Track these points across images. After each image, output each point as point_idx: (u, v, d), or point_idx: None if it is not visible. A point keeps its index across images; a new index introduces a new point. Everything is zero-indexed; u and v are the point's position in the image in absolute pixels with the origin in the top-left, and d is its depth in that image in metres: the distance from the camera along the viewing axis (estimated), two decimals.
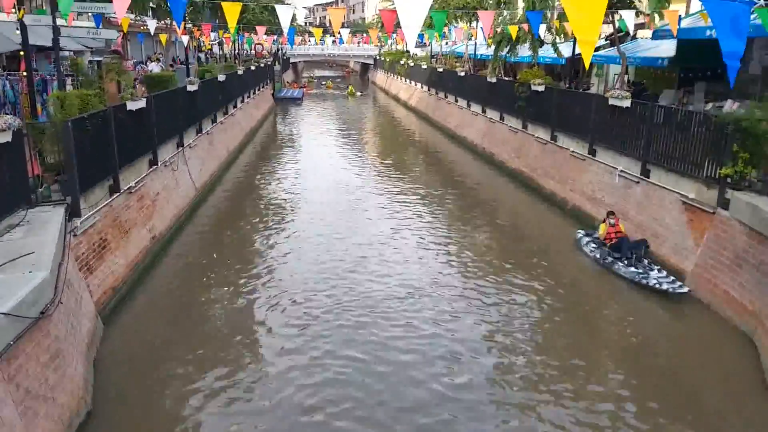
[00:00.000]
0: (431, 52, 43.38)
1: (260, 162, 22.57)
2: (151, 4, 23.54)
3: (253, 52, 49.01)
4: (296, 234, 13.64)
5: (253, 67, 34.49)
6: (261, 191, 17.93)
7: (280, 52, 58.61)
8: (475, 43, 32.51)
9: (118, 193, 11.37)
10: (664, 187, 12.05)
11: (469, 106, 27.53)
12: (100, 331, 9.04)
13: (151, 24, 21.56)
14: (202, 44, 39.56)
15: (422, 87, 39.29)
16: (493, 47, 25.05)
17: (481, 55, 32.67)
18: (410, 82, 43.87)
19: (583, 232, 13.49)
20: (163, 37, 26.21)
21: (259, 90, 36.73)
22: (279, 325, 9.40)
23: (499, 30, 24.02)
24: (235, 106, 26.77)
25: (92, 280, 9.50)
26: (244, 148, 24.98)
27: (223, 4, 9.37)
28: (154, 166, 13.80)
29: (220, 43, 40.20)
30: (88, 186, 10.11)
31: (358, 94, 51.89)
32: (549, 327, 9.66)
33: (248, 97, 31.81)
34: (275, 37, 43.10)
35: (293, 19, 17.17)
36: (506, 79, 24.59)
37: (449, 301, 10.32)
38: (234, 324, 9.46)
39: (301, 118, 35.84)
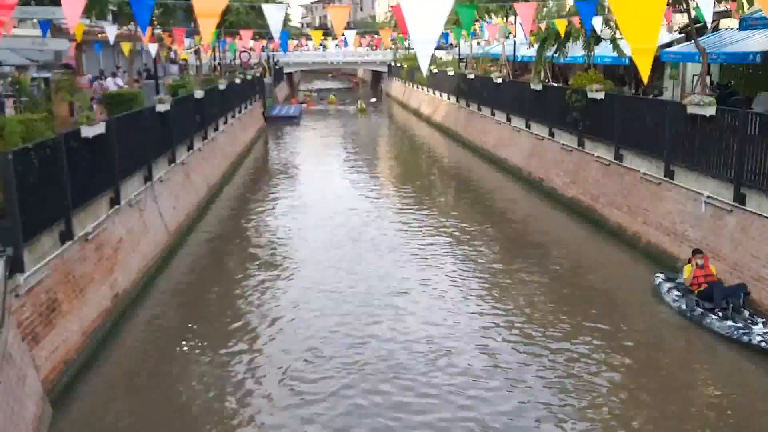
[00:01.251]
0: (459, 54, 44.00)
1: (249, 198, 22.84)
2: (110, 7, 23.78)
3: (238, 61, 50.14)
4: (294, 291, 13.68)
5: (238, 80, 35.26)
6: (250, 235, 18.10)
7: (271, 60, 60.47)
8: (514, 42, 32.90)
9: (71, 241, 11.45)
10: (766, 217, 12.02)
11: (509, 120, 27.72)
12: (49, 416, 8.92)
13: (111, 30, 21.19)
14: (174, 54, 40.48)
15: (449, 98, 39.81)
16: (536, 47, 25.31)
17: (522, 56, 33.05)
18: (434, 93, 44.52)
19: (662, 275, 13.29)
20: (126, 46, 26.07)
21: (246, 108, 37.46)
22: (271, 414, 9.09)
23: (543, 25, 24.31)
24: (216, 129, 27.26)
25: (39, 351, 9.43)
26: (228, 181, 25.34)
27: (196, 4, 9.37)
28: (116, 206, 14.00)
29: (197, 52, 41.14)
30: (34, 233, 10.05)
31: (370, 109, 53.03)
32: (625, 399, 9.40)
33: (233, 116, 32.42)
34: (265, 42, 43.90)
35: (286, 19, 17.48)
36: (555, 85, 24.77)
37: (489, 371, 10.13)
38: (218, 411, 9.23)
39: (299, 142, 36.49)
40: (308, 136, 38.75)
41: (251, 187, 24.94)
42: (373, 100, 58.68)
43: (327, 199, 21.76)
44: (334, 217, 19.34)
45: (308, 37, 68.48)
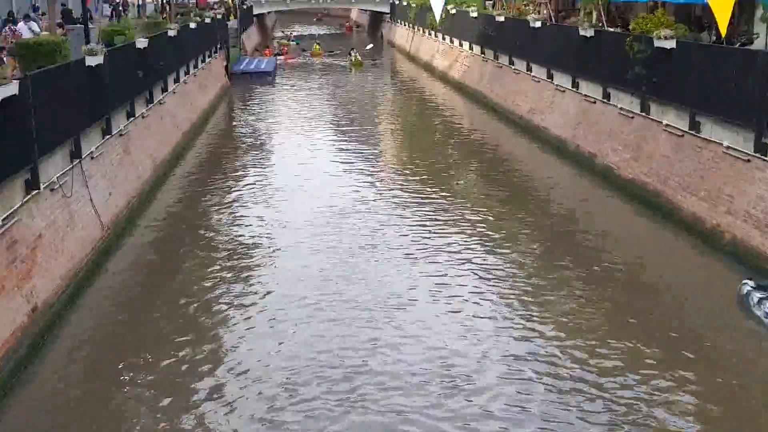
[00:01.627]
0: None
1: (207, 182, 22.81)
2: None
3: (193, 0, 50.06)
4: (265, 305, 13.68)
5: (193, 25, 35.08)
6: (209, 231, 18.05)
7: None
8: None
9: None
10: None
11: (550, 76, 27.65)
12: None
13: None
14: None
15: (471, 48, 39.74)
16: None
17: None
18: (451, 41, 44.44)
19: (751, 282, 13.26)
20: None
21: (204, 61, 37.40)
22: None
23: None
24: (165, 90, 27.17)
25: None
26: (181, 158, 25.36)
27: None
28: (34, 192, 13.92)
29: None
30: None
31: (368, 63, 52.96)
32: None
33: (187, 73, 32.38)
34: None
35: None
36: (611, 30, 24.58)
37: (527, 418, 10.07)
38: None
39: (274, 107, 36.55)
40: (286, 100, 38.71)
41: (211, 167, 24.89)
42: (370, 47, 58.57)
43: (310, 185, 21.63)
44: (319, 208, 19.21)
45: None
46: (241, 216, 19.03)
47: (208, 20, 39.70)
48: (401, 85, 44.15)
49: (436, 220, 18.22)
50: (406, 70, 50.69)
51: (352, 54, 51.99)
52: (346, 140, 28.43)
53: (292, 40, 66.93)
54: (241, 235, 17.48)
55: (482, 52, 37.27)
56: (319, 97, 39.34)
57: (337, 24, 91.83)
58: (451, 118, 32.96)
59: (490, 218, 18.32)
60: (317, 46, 58.61)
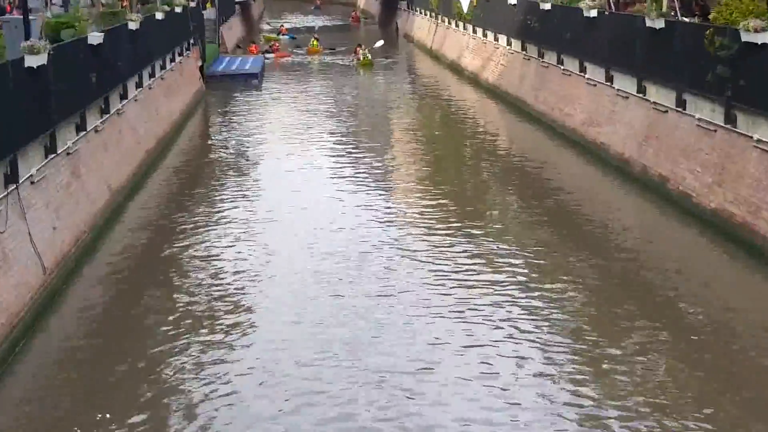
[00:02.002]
0: None
1: (177, 210, 22.86)
2: None
3: None
4: (249, 371, 13.67)
5: (160, 15, 35.34)
6: (177, 275, 18.00)
7: None
8: None
9: None
10: None
11: (609, 79, 27.68)
12: None
13: None
14: None
15: (509, 43, 39.93)
16: None
17: None
18: (484, 35, 44.67)
19: None
20: None
21: (173, 61, 37.66)
22: None
23: None
24: (125, 97, 27.32)
25: None
26: (144, 181, 25.44)
27: None
28: None
29: None
30: None
31: (379, 61, 53.12)
32: None
33: (152, 76, 32.61)
34: None
35: None
36: (686, 21, 24.61)
37: None
38: None
39: (260, 118, 36.71)
40: (275, 109, 38.89)
41: (181, 193, 24.92)
42: (380, 44, 58.34)
43: (305, 218, 21.58)
44: (316, 248, 19.15)
45: None
46: (219, 259, 18.96)
47: (178, 9, 39.91)
48: (421, 90, 44.33)
49: (465, 262, 18.16)
50: (427, 70, 50.83)
51: (360, 51, 52.27)
52: (351, 161, 28.32)
53: (284, 35, 67.31)
54: (217, 285, 17.41)
55: (523, 49, 37.38)
56: (318, 105, 39.44)
57: (340, 13, 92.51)
58: (484, 131, 32.98)
59: (534, 261, 18.25)
60: (315, 42, 58.88)
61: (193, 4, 44.54)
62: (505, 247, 19.17)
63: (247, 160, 29.04)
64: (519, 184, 25.34)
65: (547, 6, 34.22)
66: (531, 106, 34.12)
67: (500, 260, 18.24)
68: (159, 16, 35.03)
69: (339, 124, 35.27)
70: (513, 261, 18.19)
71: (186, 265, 18.57)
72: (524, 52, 37.17)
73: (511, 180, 25.79)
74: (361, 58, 51.45)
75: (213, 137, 33.74)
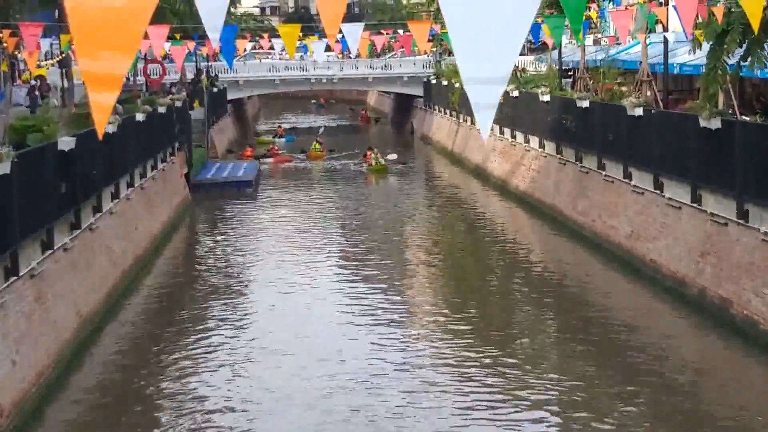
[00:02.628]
0: (560, 63, 44.52)
1: (155, 343, 22.78)
2: None
3: (140, 79, 50.99)
4: None
5: (141, 116, 35.65)
6: (157, 419, 17.87)
7: (206, 75, 61.12)
8: (665, 41, 33.19)
9: None
10: None
11: (659, 187, 27.63)
12: None
13: None
14: (21, 66, 40.98)
15: (542, 145, 40.18)
16: (705, 49, 25.35)
17: (681, 66, 33.53)
18: (513, 136, 45.09)
19: None
20: None
21: (155, 168, 37.89)
22: None
23: (718, 11, 24.42)
24: (98, 209, 27.40)
25: None
26: (118, 308, 25.46)
27: None
28: None
29: (64, 63, 41.72)
30: None
31: (393, 167, 53.74)
32: None
33: (130, 186, 32.78)
34: (193, 44, 44.34)
35: (233, 3, 17.72)
36: (747, 119, 24.62)
37: None
38: None
39: (254, 234, 36.96)
40: (272, 223, 39.17)
41: (161, 322, 24.89)
42: (393, 157, 57.18)
43: (306, 362, 21.09)
44: (318, 403, 18.59)
45: (272, 35, 70.02)
46: (204, 399, 18.82)
47: (162, 109, 40.35)
48: (441, 199, 44.56)
49: (495, 399, 17.99)
50: (448, 176, 51.11)
51: (371, 155, 52.60)
52: (359, 288, 28.03)
53: (281, 137, 67.99)
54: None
55: (558, 152, 37.61)
56: (321, 219, 39.82)
57: (347, 112, 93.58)
58: (515, 246, 33.07)
59: (575, 399, 18.05)
60: (317, 145, 59.38)
61: (178, 104, 45.01)
62: (540, 381, 19.01)
63: (238, 284, 28.91)
64: (556, 307, 25.27)
65: (585, 104, 34.51)
66: (568, 216, 34.18)
67: (535, 396, 18.07)
68: (139, 117, 35.40)
69: (346, 243, 35.37)
70: (549, 397, 18.02)
71: (166, 407, 18.42)
72: (559, 156, 37.40)
73: (547, 303, 25.72)
74: (373, 164, 51.95)
75: (199, 256, 33.82)
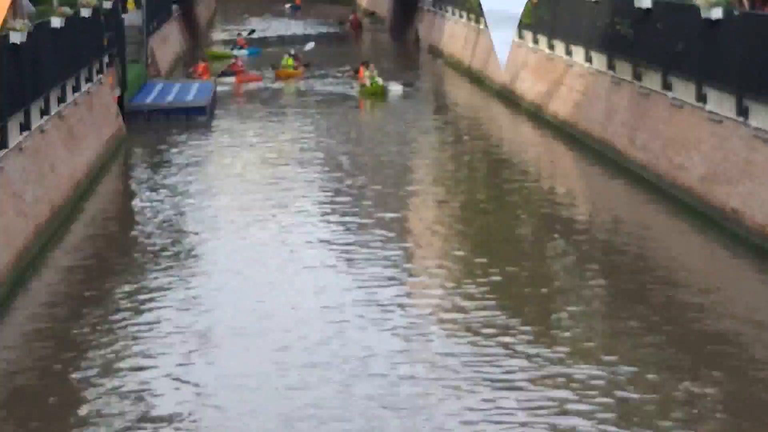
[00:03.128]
0: None
1: (80, 314, 22.75)
2: None
3: None
4: None
5: (57, 22, 35.44)
6: (82, 418, 17.93)
7: None
8: None
9: None
10: None
11: (743, 112, 27.52)
12: None
13: None
14: None
15: (587, 58, 40.41)
16: None
17: None
18: (551, 46, 45.30)
19: None
20: None
21: (78, 90, 37.72)
22: None
23: None
24: (3, 145, 27.25)
25: None
26: (31, 271, 25.46)
27: None
28: None
29: None
30: None
31: (394, 87, 53.36)
32: None
33: (45, 113, 32.40)
34: None
35: None
36: None
37: None
38: None
39: (208, 176, 37.13)
40: (231, 163, 39.03)
41: (86, 291, 24.82)
42: (396, 86, 57.09)
43: (276, 333, 21.48)
44: (295, 373, 19.20)
45: None
46: (137, 397, 18.77)
47: (86, 13, 40.09)
48: (456, 132, 44.60)
49: (532, 400, 18.02)
50: (465, 101, 51.09)
51: (365, 73, 52.18)
52: (348, 256, 27.45)
53: (243, 49, 67.70)
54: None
55: (610, 67, 37.68)
56: (296, 161, 39.23)
57: (331, 15, 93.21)
58: (552, 194, 33.19)
59: (623, 392, 18.09)
60: (289, 59, 58.87)
61: (107, 5, 44.76)
62: (583, 369, 19.04)
63: (187, 242, 28.78)
64: (607, 271, 25.32)
65: (646, 2, 34.35)
66: (623, 153, 34.30)
67: (577, 389, 18.12)
68: (56, 23, 35.15)
69: (329, 193, 34.55)
70: (593, 388, 18.13)
71: (93, 404, 18.45)
72: (612, 73, 37.48)
73: (595, 266, 25.73)
74: (368, 84, 51.82)
75: (136, 208, 33.71)
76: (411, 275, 25.88)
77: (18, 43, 29.29)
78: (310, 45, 66.41)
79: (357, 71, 53.53)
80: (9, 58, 28.61)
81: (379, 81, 51.82)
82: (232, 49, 68.25)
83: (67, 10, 36.92)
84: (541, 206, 31.88)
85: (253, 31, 78.94)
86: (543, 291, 24.16)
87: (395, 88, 53.11)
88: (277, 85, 56.89)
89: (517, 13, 5.75)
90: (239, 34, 74.65)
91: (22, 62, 29.85)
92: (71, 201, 31.53)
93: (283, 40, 73.16)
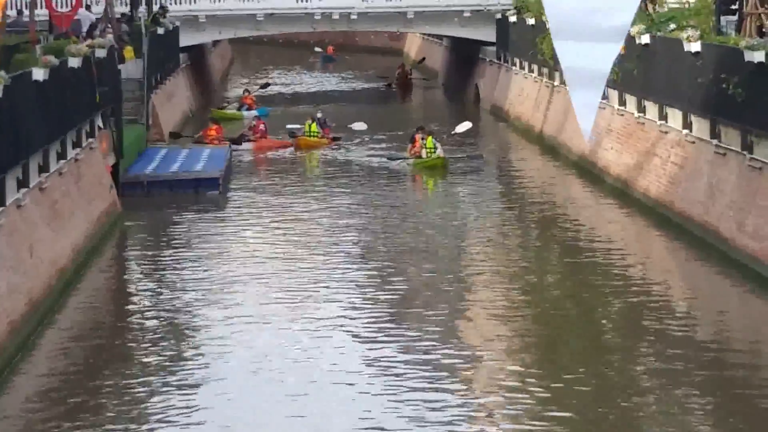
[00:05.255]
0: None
1: None
2: None
3: (42, 11, 50.90)
4: None
5: (40, 74, 35.50)
6: None
7: (147, 6, 62.08)
8: None
9: None
10: None
11: None
12: None
13: None
14: None
15: (685, 124, 40.16)
16: None
17: None
18: (640, 109, 45.23)
19: None
20: None
21: (64, 158, 37.72)
22: None
23: None
24: None
25: None
26: (2, 378, 25.37)
27: None
28: None
29: None
30: None
31: (454, 160, 53.36)
32: None
33: (23, 185, 32.35)
34: None
35: None
36: None
37: None
38: None
39: (220, 265, 36.82)
40: (247, 254, 38.58)
41: (68, 408, 24.71)
42: (465, 127, 57.10)
43: None
44: None
45: None
46: None
47: (75, 62, 40.23)
48: (527, 213, 44.62)
49: None
50: (536, 172, 51.14)
51: (420, 141, 51.79)
52: (388, 368, 27.31)
53: (253, 110, 67.89)
54: None
55: (714, 135, 37.53)
56: (331, 250, 38.77)
57: (372, 67, 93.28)
58: (646, 296, 32.63)
59: None
60: (313, 125, 58.26)
61: (101, 54, 44.89)
62: None
63: (190, 360, 28.60)
64: (729, 401, 25.01)
65: (760, 56, 34.26)
66: (729, 240, 34.09)
67: None
68: (39, 75, 35.16)
69: (368, 293, 33.90)
70: None
71: None
72: (716, 141, 37.29)
73: (712, 390, 25.49)
74: (425, 156, 51.74)
75: (131, 301, 33.84)
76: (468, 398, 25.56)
77: None
78: (360, 126, 63.71)
79: (412, 140, 53.18)
80: None
81: (439, 151, 51.57)
82: (238, 108, 68.56)
83: (53, 59, 36.74)
84: (631, 308, 31.58)
85: (267, 85, 79.36)
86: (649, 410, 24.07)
87: (464, 127, 54.30)
88: (295, 153, 57.34)
89: (605, 70, 5.61)
90: (246, 91, 75.10)
91: None
92: (53, 292, 31.46)
93: (311, 96, 73.06)
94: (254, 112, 67.21)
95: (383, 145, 56.49)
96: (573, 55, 6.29)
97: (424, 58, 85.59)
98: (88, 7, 58.12)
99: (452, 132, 53.46)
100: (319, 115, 60.67)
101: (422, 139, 52.38)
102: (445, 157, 51.60)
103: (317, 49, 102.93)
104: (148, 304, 32.86)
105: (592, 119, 6.23)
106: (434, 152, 51.34)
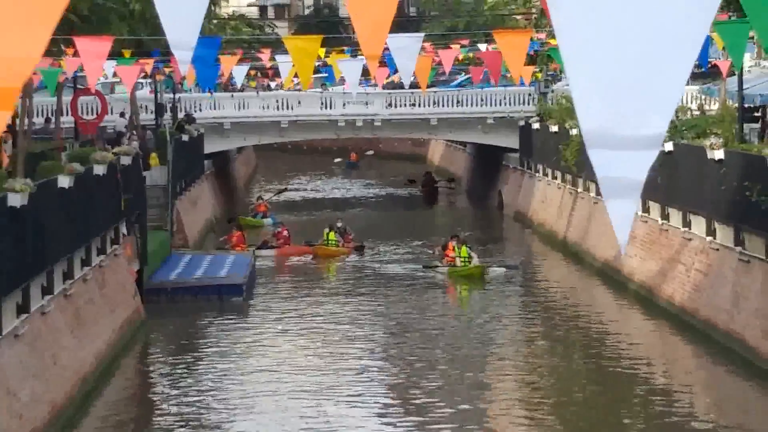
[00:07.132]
0: (740, 98, 44.17)
1: None
2: None
3: (68, 119, 51.01)
4: None
5: (66, 181, 35.47)
6: None
7: (172, 114, 62.09)
8: None
9: None
10: None
11: None
12: None
13: None
14: None
15: (709, 231, 39.69)
16: None
17: None
18: (665, 216, 45.06)
19: None
20: None
21: (88, 264, 37.62)
22: None
23: None
24: None
25: None
26: None
27: None
28: None
29: None
30: None
31: (498, 271, 52.93)
32: None
33: (47, 293, 32.29)
34: (150, 64, 44.26)
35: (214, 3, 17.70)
36: None
37: None
38: None
39: (244, 374, 36.62)
40: (273, 358, 38.57)
41: None
42: (502, 263, 56.32)
43: None
44: None
45: (277, 50, 70.01)
46: None
47: (100, 169, 40.20)
48: (549, 325, 44.22)
49: None
50: (558, 279, 50.92)
51: (455, 249, 51.50)
52: None
53: (268, 217, 68.71)
54: None
55: (738, 242, 37.44)
56: (356, 362, 38.41)
57: (395, 173, 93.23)
58: (673, 401, 32.53)
59: None
60: (331, 233, 58.29)
61: (126, 161, 44.95)
62: None
63: None
64: None
65: None
66: (756, 349, 33.83)
67: None
68: (64, 182, 35.17)
69: (394, 412, 33.69)
70: None
71: None
72: (740, 249, 37.17)
73: None
74: (459, 264, 51.56)
75: (153, 413, 33.54)
76: None
77: (17, 206, 29.17)
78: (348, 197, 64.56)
79: (444, 247, 53.05)
80: (6, 225, 28.56)
81: (475, 260, 51.30)
82: (253, 216, 68.73)
83: (78, 166, 36.69)
84: (659, 418, 31.23)
85: (284, 190, 79.69)
86: None
87: (497, 271, 52.73)
88: (316, 262, 57.24)
89: (640, 179, 5.54)
90: (260, 198, 75.12)
91: (22, 230, 29.89)
92: (76, 401, 31.27)
93: (334, 203, 72.84)
94: (269, 220, 67.58)
95: (408, 253, 56.26)
96: (608, 165, 6.27)
97: (453, 179, 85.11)
98: (122, 114, 58.82)
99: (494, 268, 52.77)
100: (339, 224, 60.41)
101: (457, 247, 52.11)
102: (483, 266, 51.35)
103: (339, 159, 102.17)
104: (168, 412, 32.64)
105: (629, 230, 6.19)
106: (469, 261, 51.22)
